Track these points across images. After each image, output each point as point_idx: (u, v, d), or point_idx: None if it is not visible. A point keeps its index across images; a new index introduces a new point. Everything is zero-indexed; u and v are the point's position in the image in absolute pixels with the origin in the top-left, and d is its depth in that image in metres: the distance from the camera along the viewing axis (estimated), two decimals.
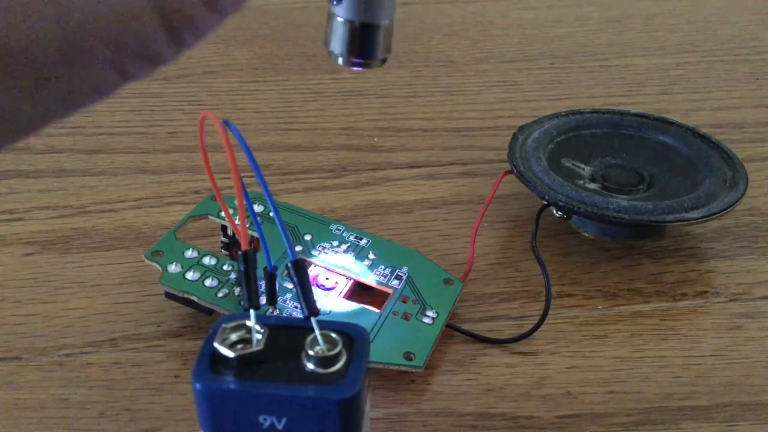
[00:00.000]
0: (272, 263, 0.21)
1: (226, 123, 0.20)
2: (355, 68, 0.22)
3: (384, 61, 0.23)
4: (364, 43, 0.22)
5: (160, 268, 0.30)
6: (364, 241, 0.32)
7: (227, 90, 0.48)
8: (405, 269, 0.31)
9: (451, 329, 0.30)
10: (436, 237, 0.36)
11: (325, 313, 0.29)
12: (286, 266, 0.21)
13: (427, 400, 0.28)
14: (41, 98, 0.15)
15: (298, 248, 0.31)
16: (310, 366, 0.19)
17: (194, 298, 0.29)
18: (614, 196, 0.34)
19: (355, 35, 0.21)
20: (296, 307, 0.28)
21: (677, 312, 0.32)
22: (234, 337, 0.20)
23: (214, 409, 0.19)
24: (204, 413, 0.19)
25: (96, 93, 0.16)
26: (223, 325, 0.20)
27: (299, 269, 0.21)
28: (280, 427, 0.19)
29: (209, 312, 0.29)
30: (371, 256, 0.31)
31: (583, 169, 0.37)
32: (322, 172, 0.40)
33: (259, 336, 0.20)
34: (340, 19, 0.21)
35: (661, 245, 0.35)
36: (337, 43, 0.22)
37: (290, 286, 0.29)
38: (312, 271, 0.31)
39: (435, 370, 0.29)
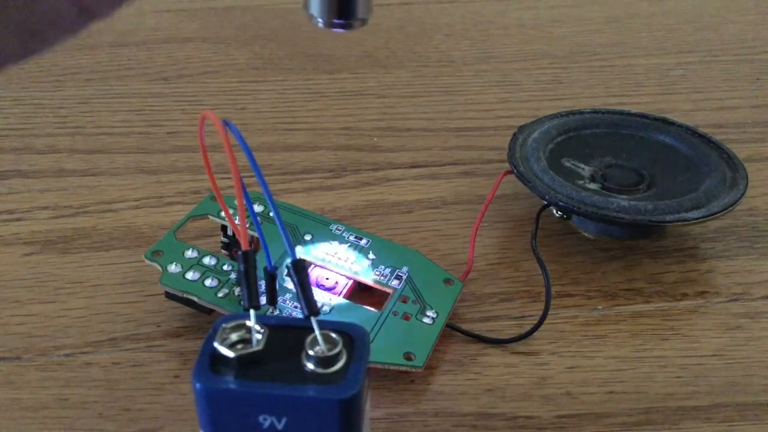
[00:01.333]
0: (272, 263, 0.21)
1: (226, 123, 0.20)
2: (336, 30, 0.22)
3: (364, 21, 0.22)
4: (343, 3, 0.21)
5: (160, 268, 0.30)
6: (364, 241, 0.32)
7: (227, 90, 0.48)
8: (405, 269, 0.31)
9: (451, 329, 0.30)
10: (436, 237, 0.36)
11: (325, 313, 0.29)
12: (286, 266, 0.21)
13: (427, 400, 0.28)
14: (2, 32, 0.15)
15: (298, 248, 0.31)
16: (310, 366, 0.19)
17: (194, 298, 0.29)
18: (614, 196, 0.34)
19: None
20: (296, 307, 0.28)
21: (677, 312, 0.32)
22: (234, 337, 0.20)
23: (214, 409, 0.19)
24: (204, 413, 0.19)
25: (55, 28, 0.15)
26: (223, 325, 0.20)
27: (299, 269, 0.21)
28: (280, 427, 0.19)
29: (209, 312, 0.29)
30: (371, 256, 0.31)
31: (583, 169, 0.37)
32: (322, 172, 0.40)
33: (259, 336, 0.20)
34: None
35: (661, 245, 0.35)
36: (316, 4, 0.22)
37: (290, 285, 0.29)
38: (312, 271, 0.31)
39: (435, 370, 0.29)
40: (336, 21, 0.22)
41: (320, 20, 0.22)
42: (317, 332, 0.20)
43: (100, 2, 0.16)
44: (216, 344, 0.20)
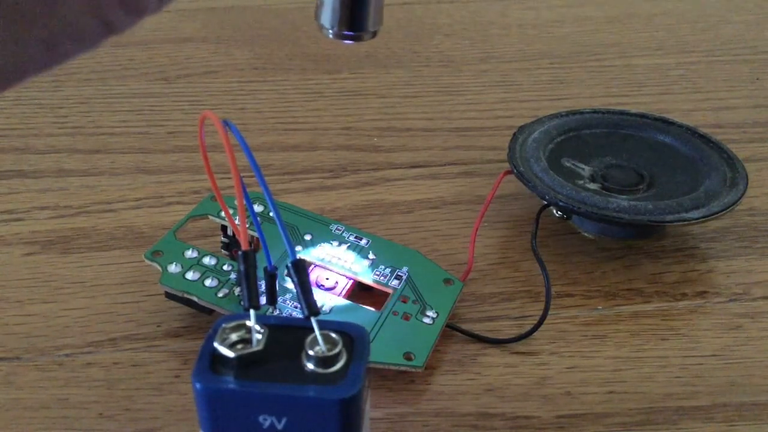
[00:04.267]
0: (272, 263, 0.21)
1: (226, 123, 0.20)
2: (346, 41, 0.22)
3: (375, 34, 0.22)
4: (354, 15, 0.21)
5: (160, 268, 0.30)
6: (364, 241, 0.32)
7: (227, 90, 0.48)
8: (405, 269, 0.31)
9: (451, 329, 0.30)
10: (436, 237, 0.36)
11: (325, 313, 0.29)
12: (286, 266, 0.21)
13: (427, 400, 0.28)
14: (23, 42, 0.15)
15: (298, 248, 0.31)
16: (310, 366, 0.19)
17: (194, 298, 0.29)
18: (614, 196, 0.34)
19: (345, 7, 0.21)
20: (296, 307, 0.28)
21: (677, 312, 0.32)
22: (234, 337, 0.20)
23: (214, 409, 0.19)
24: (204, 413, 0.19)
25: (78, 42, 0.16)
26: (223, 325, 0.20)
27: (299, 269, 0.21)
28: (280, 427, 0.19)
29: (209, 312, 0.29)
30: (371, 256, 0.31)
31: (583, 169, 0.37)
32: (322, 172, 0.40)
33: (259, 336, 0.20)
34: None
35: (661, 245, 0.35)
36: (327, 15, 0.22)
37: (290, 285, 0.29)
38: (312, 272, 0.31)
39: (435, 370, 0.29)
40: (346, 33, 0.22)
41: (330, 31, 0.22)
42: (317, 332, 0.20)
43: (121, 15, 0.16)
44: (216, 344, 0.20)
